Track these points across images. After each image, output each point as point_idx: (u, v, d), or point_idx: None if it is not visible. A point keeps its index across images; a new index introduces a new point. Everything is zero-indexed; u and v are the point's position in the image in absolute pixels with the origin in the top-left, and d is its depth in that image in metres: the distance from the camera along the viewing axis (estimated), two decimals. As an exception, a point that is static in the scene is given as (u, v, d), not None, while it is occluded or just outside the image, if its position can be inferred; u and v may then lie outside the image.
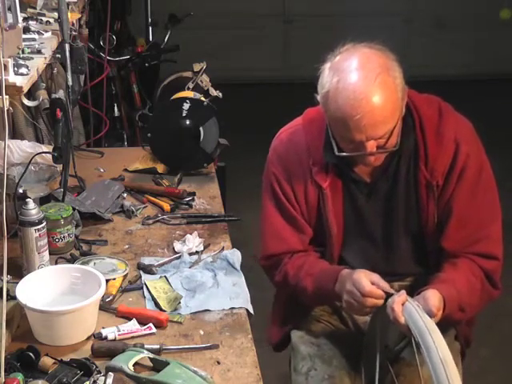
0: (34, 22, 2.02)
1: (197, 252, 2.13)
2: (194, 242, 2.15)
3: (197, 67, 3.10)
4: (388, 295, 1.73)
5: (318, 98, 1.78)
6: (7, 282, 1.66)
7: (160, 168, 2.71)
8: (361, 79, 1.68)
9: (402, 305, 1.68)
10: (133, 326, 1.76)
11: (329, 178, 1.89)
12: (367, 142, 1.72)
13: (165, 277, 1.98)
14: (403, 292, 1.71)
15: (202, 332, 1.77)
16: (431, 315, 1.67)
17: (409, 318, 1.65)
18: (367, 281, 1.74)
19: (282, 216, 1.96)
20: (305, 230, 1.97)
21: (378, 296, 1.74)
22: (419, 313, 1.64)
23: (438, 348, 1.54)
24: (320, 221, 1.94)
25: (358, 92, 1.67)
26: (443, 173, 1.84)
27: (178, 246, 2.15)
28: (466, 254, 1.86)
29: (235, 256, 2.08)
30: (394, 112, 1.72)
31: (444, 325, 1.91)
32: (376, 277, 1.77)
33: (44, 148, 2.48)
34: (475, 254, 1.86)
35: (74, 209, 2.19)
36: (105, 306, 1.84)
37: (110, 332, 1.72)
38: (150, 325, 1.76)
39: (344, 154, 1.79)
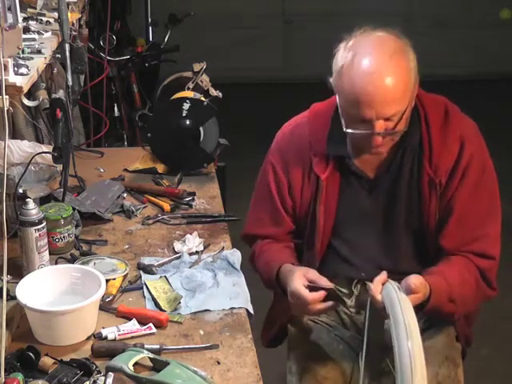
0: (34, 22, 2.02)
1: (197, 252, 2.13)
2: (194, 242, 2.15)
3: (197, 67, 3.10)
4: (330, 290, 1.73)
5: (331, 79, 1.78)
6: (7, 281, 1.66)
7: (160, 168, 2.71)
8: (376, 56, 1.70)
9: (383, 285, 1.69)
10: (133, 326, 1.76)
11: (328, 170, 1.90)
12: (376, 121, 1.71)
13: (165, 277, 1.98)
14: (384, 272, 1.73)
15: (201, 332, 1.77)
16: (409, 291, 1.68)
17: (385, 296, 1.66)
18: (304, 289, 1.75)
19: (266, 205, 2.01)
20: (283, 224, 2.01)
21: (321, 298, 1.74)
22: (396, 291, 1.65)
23: (406, 320, 1.54)
24: (314, 212, 1.95)
25: (373, 67, 1.68)
26: (447, 171, 1.84)
27: (178, 246, 2.15)
28: (462, 252, 1.86)
29: (235, 256, 2.08)
30: (405, 93, 1.72)
31: (441, 321, 1.93)
32: (313, 274, 1.79)
33: (44, 148, 2.48)
34: (471, 252, 1.86)
35: (73, 209, 2.18)
36: (105, 306, 1.84)
37: (110, 332, 1.72)
38: (150, 325, 1.76)
39: (351, 130, 1.78)
